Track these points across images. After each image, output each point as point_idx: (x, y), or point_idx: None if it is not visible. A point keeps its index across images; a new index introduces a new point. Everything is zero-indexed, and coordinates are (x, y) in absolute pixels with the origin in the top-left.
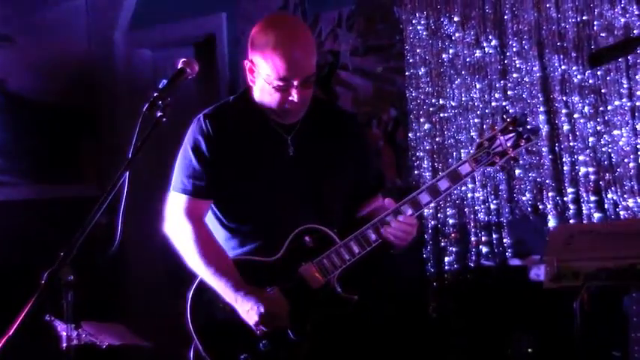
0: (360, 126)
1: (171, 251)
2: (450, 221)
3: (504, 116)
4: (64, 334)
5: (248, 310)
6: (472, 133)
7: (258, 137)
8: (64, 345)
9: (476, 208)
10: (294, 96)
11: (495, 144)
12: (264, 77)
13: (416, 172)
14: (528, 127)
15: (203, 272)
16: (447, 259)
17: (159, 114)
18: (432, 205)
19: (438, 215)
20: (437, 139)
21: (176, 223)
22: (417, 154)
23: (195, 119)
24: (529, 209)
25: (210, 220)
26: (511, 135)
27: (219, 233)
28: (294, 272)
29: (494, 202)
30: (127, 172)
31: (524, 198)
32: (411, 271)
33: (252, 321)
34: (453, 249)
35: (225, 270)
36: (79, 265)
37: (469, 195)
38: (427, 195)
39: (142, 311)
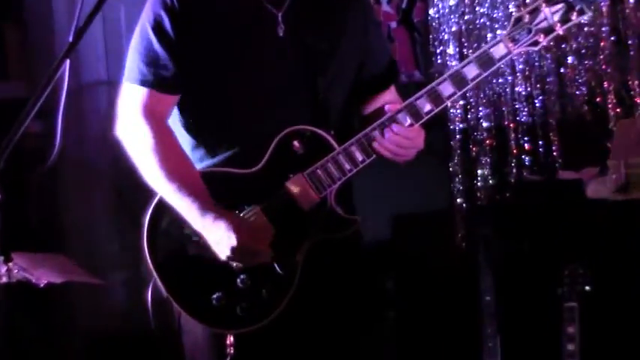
0: (365, 1)
1: (123, 163)
2: (484, 124)
3: None
4: None
5: (218, 241)
6: (511, 8)
7: (239, 12)
8: None
9: (517, 106)
10: None
11: (539, 18)
12: None
13: (439, 60)
14: None
15: (163, 188)
16: (479, 172)
17: None
18: (457, 97)
19: (468, 116)
20: (465, 18)
21: (131, 124)
22: (441, 37)
23: None
24: (585, 107)
25: (172, 124)
26: (559, 6)
27: (183, 141)
28: (279, 187)
29: (540, 98)
30: (67, 61)
31: (578, 92)
32: (433, 190)
33: (223, 254)
34: (488, 160)
35: (192, 186)
36: (6, 183)
37: (508, 89)
38: (450, 85)
39: (85, 242)
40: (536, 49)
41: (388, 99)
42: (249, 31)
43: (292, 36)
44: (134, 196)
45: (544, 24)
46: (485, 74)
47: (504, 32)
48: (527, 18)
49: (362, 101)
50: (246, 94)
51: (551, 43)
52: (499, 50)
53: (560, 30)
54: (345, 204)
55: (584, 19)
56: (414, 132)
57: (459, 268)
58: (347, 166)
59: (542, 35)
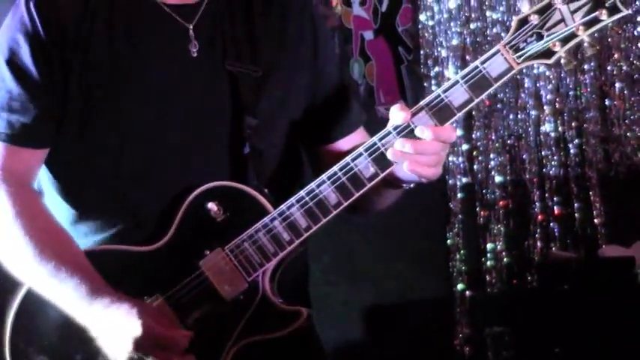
0: (313, 4)
1: None
2: (497, 178)
3: None
4: None
5: (114, 331)
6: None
7: (135, 29)
8: None
9: (543, 153)
10: None
11: (552, 20)
12: None
13: (434, 86)
14: None
15: (33, 272)
16: (489, 245)
17: None
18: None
19: (474, 167)
20: (471, 26)
21: None
22: (436, 53)
23: (13, 7)
24: (638, 155)
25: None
26: (582, 2)
27: (58, 212)
28: (191, 269)
29: (576, 141)
30: None
31: (629, 134)
32: (424, 272)
33: (122, 351)
34: (502, 229)
35: (75, 264)
36: None
37: (530, 129)
38: (428, 118)
39: None
40: (550, 62)
41: (357, 142)
42: (150, 53)
43: (210, 57)
44: None
45: (561, 27)
46: (477, 101)
47: (505, 39)
48: (535, 20)
49: (315, 151)
50: (144, 142)
51: (591, 64)
52: (496, 65)
53: (584, 35)
54: (289, 290)
55: (621, 17)
56: (451, 133)
57: None
58: (286, 236)
59: (558, 44)
